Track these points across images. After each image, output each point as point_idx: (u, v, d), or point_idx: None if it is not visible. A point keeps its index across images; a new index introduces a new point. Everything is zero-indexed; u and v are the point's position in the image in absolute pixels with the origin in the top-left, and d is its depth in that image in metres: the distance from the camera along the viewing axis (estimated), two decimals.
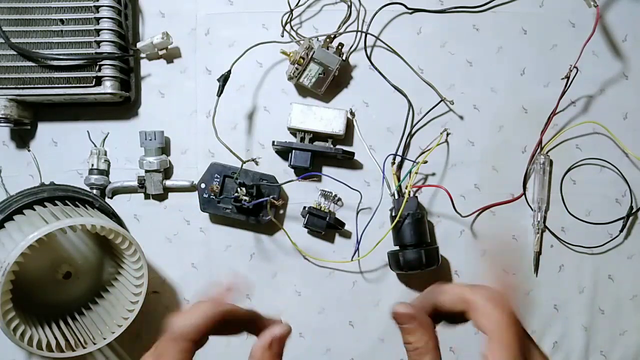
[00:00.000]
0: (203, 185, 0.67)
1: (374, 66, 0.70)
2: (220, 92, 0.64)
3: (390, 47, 0.70)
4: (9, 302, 0.53)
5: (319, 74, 0.67)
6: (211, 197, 0.66)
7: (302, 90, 0.71)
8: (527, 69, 0.71)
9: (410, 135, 0.70)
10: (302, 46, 0.67)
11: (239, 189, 0.65)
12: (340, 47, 0.68)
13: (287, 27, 0.70)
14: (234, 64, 0.65)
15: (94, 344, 0.59)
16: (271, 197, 0.66)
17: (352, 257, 0.69)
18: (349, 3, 0.70)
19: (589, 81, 0.70)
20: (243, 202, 0.64)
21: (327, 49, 0.67)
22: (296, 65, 0.67)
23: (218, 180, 0.66)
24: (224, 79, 0.64)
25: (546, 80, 0.71)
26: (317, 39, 0.68)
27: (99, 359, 0.62)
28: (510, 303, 0.36)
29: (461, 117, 0.71)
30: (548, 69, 0.71)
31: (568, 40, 0.70)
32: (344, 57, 0.69)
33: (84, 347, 0.58)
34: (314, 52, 0.67)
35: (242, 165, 0.64)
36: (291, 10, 0.69)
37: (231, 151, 0.63)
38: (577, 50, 0.66)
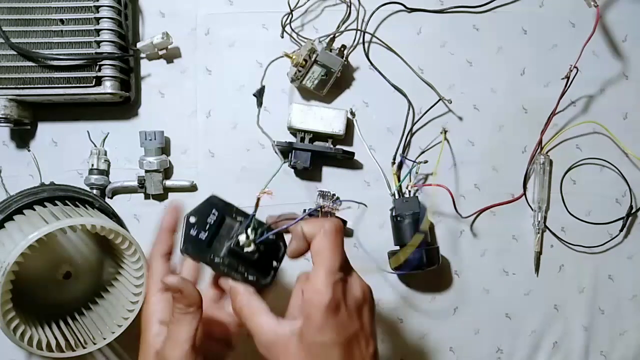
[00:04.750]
0: (193, 220, 0.47)
1: (373, 66, 0.70)
2: (260, 104, 0.58)
3: (389, 46, 0.70)
4: (9, 302, 0.53)
5: (322, 75, 0.67)
6: (200, 236, 0.48)
7: (304, 92, 0.71)
8: (527, 69, 0.71)
9: (411, 135, 0.70)
10: (305, 48, 0.67)
11: (247, 231, 0.48)
12: (342, 48, 0.68)
13: (288, 29, 0.69)
14: (262, 79, 0.63)
15: (94, 344, 0.59)
16: (276, 265, 0.50)
17: None
18: (349, 3, 0.70)
19: (589, 81, 0.70)
20: (246, 253, 0.48)
21: (330, 51, 0.67)
22: (299, 68, 0.67)
23: (215, 218, 0.49)
24: (259, 92, 0.58)
25: (546, 80, 0.71)
26: (320, 41, 0.68)
27: (99, 359, 0.62)
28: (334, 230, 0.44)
29: (460, 118, 0.71)
30: (548, 69, 0.71)
31: (568, 40, 0.70)
32: (344, 59, 0.68)
33: (84, 347, 0.58)
34: (318, 54, 0.67)
35: (255, 210, 0.48)
36: (291, 11, 0.69)
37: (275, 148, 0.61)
38: (577, 50, 0.66)
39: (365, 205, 0.67)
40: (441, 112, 0.71)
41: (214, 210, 0.49)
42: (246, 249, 0.47)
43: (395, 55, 0.70)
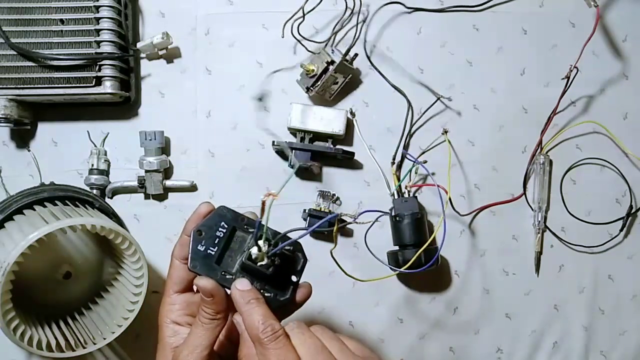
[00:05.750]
0: (200, 234, 0.45)
1: (374, 67, 0.70)
2: (262, 108, 0.59)
3: (381, 53, 0.70)
4: (9, 302, 0.53)
5: (333, 82, 0.68)
6: (209, 252, 0.45)
7: (312, 97, 0.70)
8: (527, 69, 0.71)
9: (410, 135, 0.70)
10: (321, 59, 0.66)
11: (259, 244, 0.44)
12: (355, 56, 0.68)
13: (295, 33, 0.67)
14: (265, 84, 0.63)
15: (94, 344, 0.59)
16: (296, 279, 0.47)
17: None
18: (348, 4, 0.70)
19: (589, 81, 0.70)
20: (261, 268, 0.44)
21: (346, 61, 0.67)
22: (315, 78, 0.66)
23: (225, 231, 0.46)
24: (263, 97, 0.60)
25: (546, 80, 0.71)
26: (333, 50, 0.67)
27: (99, 359, 0.62)
28: None
29: (459, 113, 0.71)
30: (548, 69, 0.71)
31: (568, 40, 0.70)
32: (353, 65, 0.68)
33: (84, 347, 0.58)
34: (336, 65, 0.66)
35: (261, 216, 0.43)
36: (304, 14, 0.67)
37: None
38: (577, 50, 0.66)
39: (388, 213, 0.66)
40: (440, 111, 0.71)
41: (222, 223, 0.46)
42: (260, 263, 0.44)
43: (395, 56, 0.70)
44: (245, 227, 0.47)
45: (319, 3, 0.67)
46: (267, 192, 0.41)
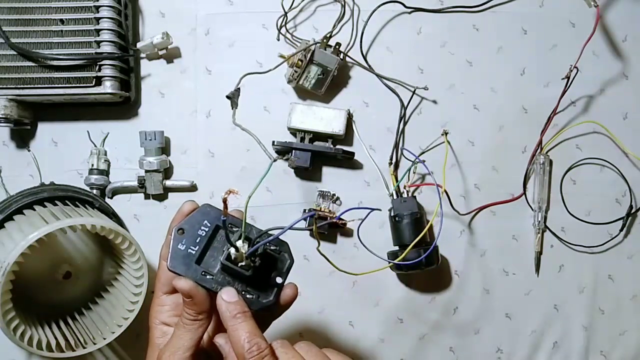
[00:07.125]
0: (181, 232, 0.44)
1: (368, 65, 0.70)
2: (235, 106, 0.59)
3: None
4: (9, 302, 0.53)
5: (318, 75, 0.67)
6: (189, 251, 0.44)
7: (302, 92, 0.71)
8: (527, 69, 0.71)
9: (403, 134, 0.70)
10: (300, 48, 0.67)
11: (239, 244, 0.42)
12: (337, 46, 0.68)
13: (283, 31, 0.69)
14: (238, 83, 0.62)
15: (94, 344, 0.59)
16: (280, 281, 0.45)
17: None
18: (343, 3, 0.70)
19: (589, 81, 0.70)
20: (240, 268, 0.43)
21: (325, 49, 0.67)
22: (295, 68, 0.67)
23: (207, 230, 0.45)
24: (234, 94, 0.60)
25: (546, 80, 0.71)
26: (314, 40, 0.68)
27: (99, 359, 0.62)
28: None
29: (460, 115, 0.71)
30: (548, 69, 0.71)
31: (568, 40, 0.70)
32: (341, 57, 0.68)
33: (84, 347, 0.58)
34: (312, 53, 0.66)
35: (224, 213, 0.41)
36: (285, 14, 0.69)
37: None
38: (577, 50, 0.66)
39: (380, 210, 0.65)
40: (439, 110, 0.71)
41: (205, 222, 0.44)
42: (239, 264, 0.42)
43: (395, 56, 0.70)
44: (229, 225, 0.45)
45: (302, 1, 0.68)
46: (227, 190, 0.39)
